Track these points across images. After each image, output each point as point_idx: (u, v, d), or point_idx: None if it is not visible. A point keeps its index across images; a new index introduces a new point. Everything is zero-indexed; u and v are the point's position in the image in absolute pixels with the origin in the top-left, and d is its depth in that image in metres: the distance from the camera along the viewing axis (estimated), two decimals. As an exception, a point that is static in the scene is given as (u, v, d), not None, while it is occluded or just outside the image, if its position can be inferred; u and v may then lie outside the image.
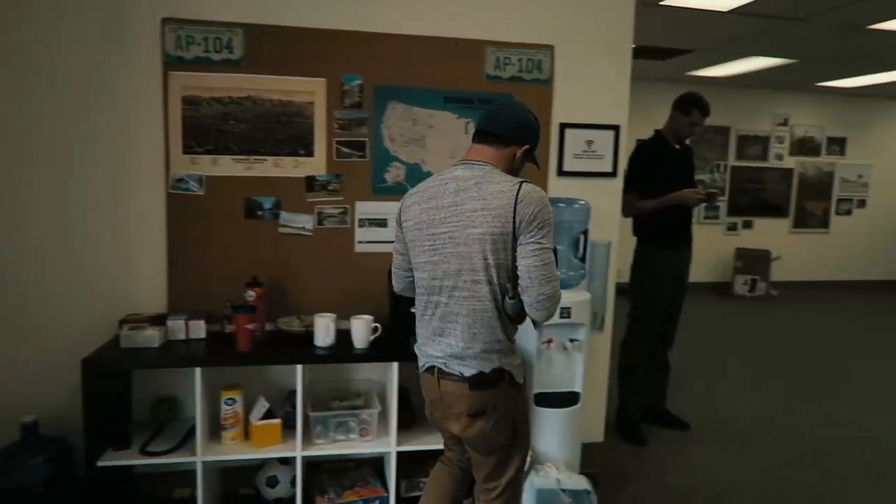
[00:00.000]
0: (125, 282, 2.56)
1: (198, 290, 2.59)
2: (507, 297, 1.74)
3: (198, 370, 2.29)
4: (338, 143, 2.64)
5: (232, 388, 2.43)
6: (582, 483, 2.66)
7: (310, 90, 2.58)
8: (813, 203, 8.97)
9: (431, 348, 1.85)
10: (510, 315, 1.77)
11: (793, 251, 8.83)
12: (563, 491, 2.59)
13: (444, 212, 1.76)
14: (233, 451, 2.41)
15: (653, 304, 3.60)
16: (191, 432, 2.44)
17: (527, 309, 1.75)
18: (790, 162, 8.78)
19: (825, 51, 6.03)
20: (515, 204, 1.68)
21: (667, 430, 3.80)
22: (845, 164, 8.99)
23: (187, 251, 2.57)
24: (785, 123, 8.68)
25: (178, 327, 2.46)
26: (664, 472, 3.27)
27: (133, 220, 2.54)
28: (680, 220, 3.63)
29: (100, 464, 2.24)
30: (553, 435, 2.78)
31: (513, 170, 1.83)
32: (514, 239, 1.69)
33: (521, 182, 1.72)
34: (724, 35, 5.53)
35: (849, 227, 9.14)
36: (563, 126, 2.92)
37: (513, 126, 1.83)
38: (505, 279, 1.73)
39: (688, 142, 3.72)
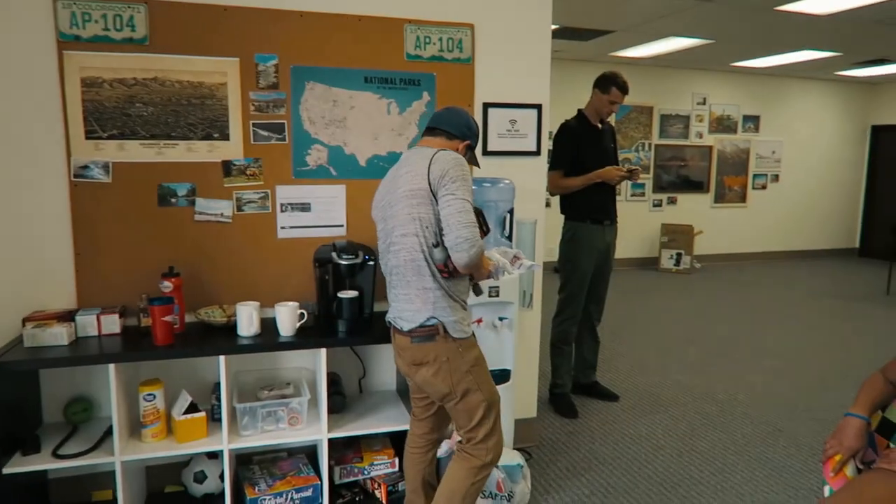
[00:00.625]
0: (28, 278, 2.40)
1: (110, 284, 2.46)
2: (433, 247, 1.95)
3: (111, 367, 2.18)
4: (255, 125, 2.55)
5: (151, 384, 2.33)
6: (515, 458, 2.70)
7: (222, 71, 2.47)
8: (731, 178, 9.39)
9: (391, 307, 2.15)
10: (438, 265, 1.97)
11: (714, 225, 9.23)
12: (497, 467, 2.63)
13: (388, 185, 2.08)
14: (155, 448, 2.32)
15: (581, 279, 3.68)
16: (109, 432, 2.33)
17: (450, 253, 1.93)
18: (710, 140, 9.14)
19: (737, 31, 6.27)
20: (430, 164, 1.94)
21: (597, 401, 3.92)
22: (760, 140, 9.44)
23: (96, 243, 2.43)
24: (704, 103, 9.02)
25: (88, 323, 2.33)
26: (594, 441, 3.38)
27: (33, 211, 2.38)
28: (605, 197, 3.72)
29: (6, 471, 2.11)
30: (485, 412, 2.80)
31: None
32: (434, 194, 1.93)
33: (445, 149, 2.01)
34: (642, 15, 5.67)
35: (765, 200, 9.62)
36: (487, 105, 2.92)
37: (457, 124, 2.12)
38: (431, 232, 1.95)
39: (610, 120, 3.81)
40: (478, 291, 2.24)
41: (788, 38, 6.56)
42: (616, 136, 3.90)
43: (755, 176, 9.52)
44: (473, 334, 2.14)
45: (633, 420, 3.66)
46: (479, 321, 2.78)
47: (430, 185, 1.92)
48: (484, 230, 2.01)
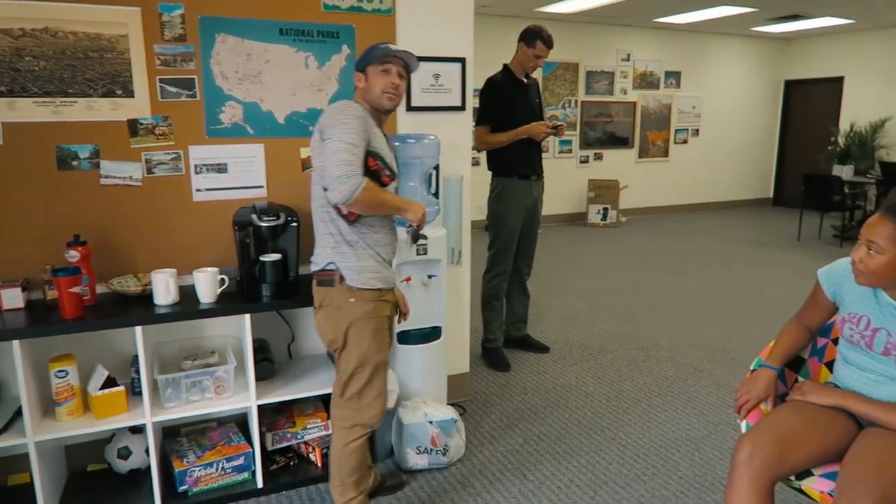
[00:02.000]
0: (-85, 252, 2.20)
1: (9, 255, 2.28)
2: (325, 191, 1.98)
3: (15, 343, 2.04)
4: (161, 81, 2.39)
5: (62, 359, 2.20)
6: (449, 413, 2.73)
7: (121, 21, 2.28)
8: (655, 133, 9.64)
9: None
10: (335, 209, 2.02)
11: (639, 180, 9.49)
12: (431, 423, 2.65)
13: None
14: (71, 426, 2.20)
15: (510, 234, 3.71)
16: (19, 412, 2.19)
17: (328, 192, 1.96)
18: (633, 95, 9.32)
19: (658, -14, 6.34)
20: (320, 118, 2.02)
21: (529, 353, 4.00)
22: (681, 96, 9.69)
23: (-10, 212, 2.25)
24: (628, 59, 9.15)
25: (-13, 298, 2.17)
26: (527, 392, 3.46)
27: (-85, 179, 2.17)
28: (531, 153, 3.73)
29: None
30: (419, 370, 2.82)
31: (367, 97, 2.09)
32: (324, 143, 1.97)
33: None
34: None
35: (686, 154, 9.95)
36: (409, 59, 2.84)
37: (358, 63, 2.14)
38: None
39: (536, 76, 3.80)
40: (414, 239, 2.30)
41: (706, -7, 6.70)
42: (541, 90, 3.90)
43: (677, 131, 9.81)
44: (385, 293, 2.13)
45: (563, 370, 3.77)
46: (409, 279, 2.77)
47: (320, 134, 1.99)
48: (385, 174, 2.02)
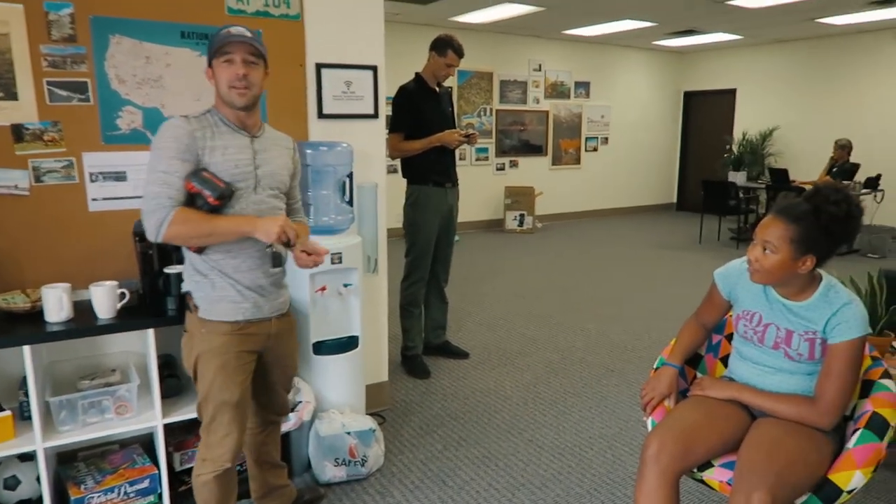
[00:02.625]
0: None
1: None
2: None
3: None
4: (50, 83, 2.24)
5: (-62, 385, 2.01)
6: (367, 423, 2.70)
7: (2, 19, 2.13)
8: (567, 142, 9.96)
9: None
10: None
11: (553, 186, 9.77)
12: (349, 433, 2.61)
13: None
14: (-51, 457, 2.02)
15: (426, 241, 3.72)
16: None
17: None
18: (546, 105, 9.61)
19: (566, -1, 6.58)
20: None
21: (449, 359, 4.02)
22: (591, 105, 10.08)
23: None
24: (539, 69, 9.43)
25: None
26: (446, 398, 3.47)
27: None
28: (445, 160, 3.76)
29: None
30: (336, 381, 2.76)
31: (219, 94, 1.87)
32: None
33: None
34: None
35: (597, 162, 10.35)
36: (319, 66, 2.80)
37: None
38: None
39: (450, 84, 3.83)
40: (275, 262, 1.89)
41: (611, 7, 7.01)
42: (452, 99, 3.95)
43: (587, 139, 10.18)
44: (248, 325, 1.92)
45: (482, 375, 3.81)
46: (324, 289, 2.72)
47: None
48: (208, 195, 1.75)
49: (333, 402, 2.75)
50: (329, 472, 2.59)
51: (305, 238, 1.99)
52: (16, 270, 2.30)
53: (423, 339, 3.95)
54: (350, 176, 2.76)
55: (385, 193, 3.08)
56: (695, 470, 1.83)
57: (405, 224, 3.77)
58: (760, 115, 9.85)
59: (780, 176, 7.87)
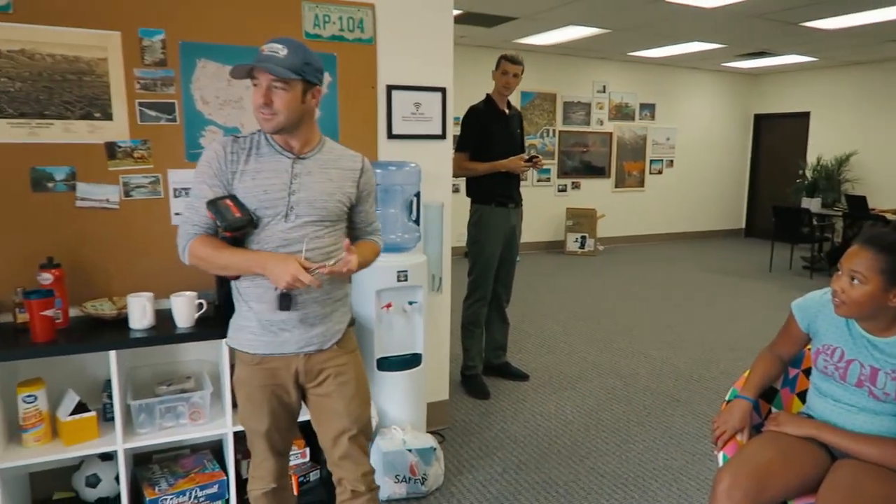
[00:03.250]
0: None
1: (-21, 278, 2.24)
2: None
3: (-18, 368, 1.99)
4: (141, 104, 2.38)
5: (31, 384, 2.14)
6: (428, 441, 2.71)
7: (101, 45, 2.28)
8: (630, 164, 9.81)
9: None
10: None
11: (615, 209, 9.62)
12: (409, 451, 2.62)
13: None
14: (38, 453, 2.14)
15: (488, 261, 3.73)
16: (-16, 439, 2.12)
17: None
18: (609, 126, 9.51)
19: (631, 22, 6.53)
20: None
21: (508, 381, 3.99)
22: (656, 127, 9.91)
23: (-39, 233, 2.20)
24: (604, 90, 9.35)
25: (-45, 321, 2.11)
26: (506, 420, 3.44)
27: None
28: (509, 181, 3.78)
29: None
30: (398, 397, 2.79)
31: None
32: None
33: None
34: (543, 3, 5.78)
35: (661, 185, 10.14)
36: (390, 88, 2.87)
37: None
38: None
39: (515, 102, 3.86)
40: (282, 304, 1.70)
41: (678, 29, 6.91)
42: (523, 121, 3.98)
43: (652, 161, 10.00)
44: (269, 359, 1.79)
45: (542, 398, 3.76)
46: (389, 305, 2.76)
47: None
48: (219, 226, 1.66)
49: (395, 418, 2.78)
50: (389, 488, 2.60)
51: (353, 262, 1.69)
52: (104, 279, 2.43)
53: (483, 360, 3.94)
54: (417, 195, 2.81)
55: (449, 212, 3.12)
56: (769, 509, 1.75)
57: (468, 243, 3.80)
58: (836, 140, 9.45)
59: (858, 203, 7.50)
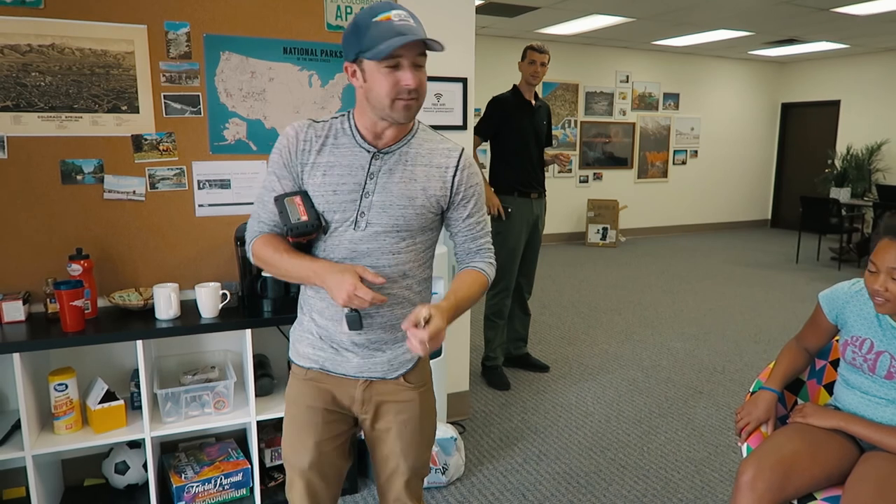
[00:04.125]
0: (-83, 264, 2.21)
1: (11, 268, 2.29)
2: None
3: (16, 356, 2.03)
4: (166, 97, 2.41)
5: (62, 373, 2.19)
6: (448, 431, 2.72)
7: (128, 38, 2.32)
8: (653, 154, 9.70)
9: None
10: None
11: (637, 200, 9.53)
12: (430, 440, 2.64)
13: None
14: (69, 440, 2.19)
15: (511, 251, 3.73)
16: (17, 426, 2.18)
17: None
18: (632, 116, 9.40)
19: (655, 10, 6.43)
20: None
21: (529, 372, 3.99)
22: (679, 117, 9.77)
23: (-7, 224, 2.26)
24: (627, 80, 9.24)
25: (-12, 310, 2.17)
26: (526, 411, 3.44)
27: (-80, 192, 2.18)
28: (532, 170, 3.78)
29: None
30: (418, 387, 2.80)
31: (364, 97, 1.40)
32: None
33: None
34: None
35: (684, 175, 10.01)
36: (412, 78, 2.87)
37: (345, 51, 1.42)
38: None
39: (539, 96, 3.84)
40: (351, 325, 1.40)
41: (704, 17, 6.79)
42: (550, 114, 3.98)
43: (675, 152, 9.87)
44: (321, 375, 1.55)
45: (563, 389, 3.75)
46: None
47: None
48: (286, 230, 1.42)
49: (416, 408, 2.79)
50: (410, 477, 2.62)
51: (417, 346, 1.30)
52: (130, 270, 2.48)
53: (504, 351, 3.94)
54: (438, 186, 2.81)
55: (471, 204, 3.11)
56: (794, 502, 1.73)
57: (492, 234, 3.78)
58: (867, 128, 9.23)
59: (891, 193, 7.33)
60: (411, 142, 1.47)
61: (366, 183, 1.43)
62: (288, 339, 1.69)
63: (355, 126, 1.45)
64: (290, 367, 1.63)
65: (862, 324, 1.80)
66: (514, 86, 3.79)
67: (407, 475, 1.60)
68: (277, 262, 1.45)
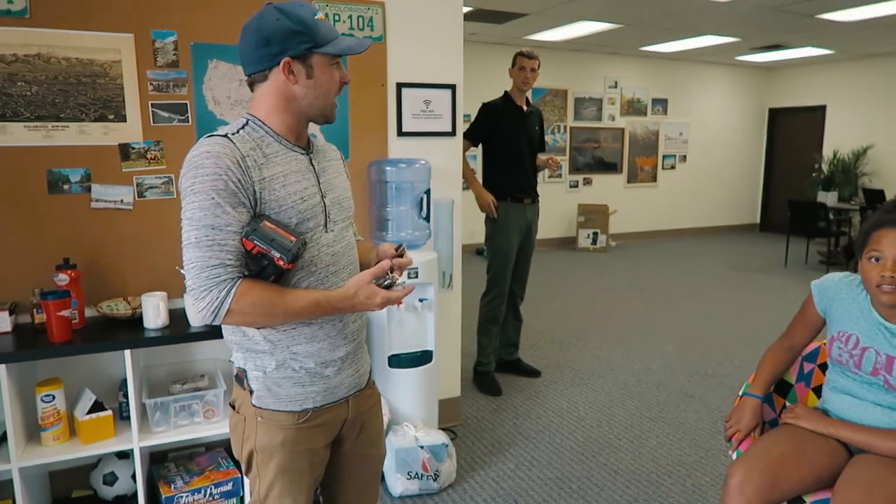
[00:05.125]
0: None
1: (-3, 279, 2.27)
2: None
3: (2, 367, 2.01)
4: (154, 106, 2.41)
5: (49, 384, 2.17)
6: (440, 438, 2.72)
7: (114, 47, 2.31)
8: (643, 159, 9.75)
9: None
10: None
11: (627, 205, 9.57)
12: (422, 447, 2.63)
13: None
14: (56, 452, 2.17)
15: (505, 257, 3.74)
16: (3, 438, 2.16)
17: None
18: (621, 122, 9.45)
19: (643, 16, 6.48)
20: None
21: (521, 378, 3.99)
22: (668, 122, 9.84)
23: (-22, 235, 2.24)
24: (615, 86, 9.30)
25: (-26, 322, 2.15)
26: (518, 417, 3.44)
27: None
28: (525, 176, 3.79)
29: None
30: (409, 394, 2.80)
31: (295, 99, 1.34)
32: None
33: (208, 135, 1.30)
34: (555, -1, 5.76)
35: (674, 180, 10.07)
36: (400, 86, 2.88)
37: (248, 50, 1.33)
38: None
39: (531, 102, 3.85)
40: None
41: (692, 23, 6.85)
42: (543, 119, 4.01)
43: (665, 157, 9.93)
44: (318, 413, 1.41)
45: (554, 394, 3.76)
46: (400, 303, 2.76)
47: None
48: (278, 258, 1.25)
49: (407, 415, 2.79)
50: (401, 485, 2.61)
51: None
52: (118, 279, 2.46)
53: (496, 357, 3.94)
54: (427, 192, 2.82)
55: (459, 209, 3.12)
56: (784, 504, 1.74)
57: (485, 240, 3.81)
58: (853, 133, 9.33)
59: (877, 197, 7.40)
60: (312, 139, 1.48)
61: (319, 183, 1.40)
62: None
63: (273, 131, 1.35)
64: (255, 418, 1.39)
65: (849, 318, 1.81)
66: (506, 92, 3.81)
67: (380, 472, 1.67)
68: (281, 305, 1.27)
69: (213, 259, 1.22)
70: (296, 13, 1.30)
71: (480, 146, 3.82)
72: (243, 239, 1.24)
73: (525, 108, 3.79)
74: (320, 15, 1.33)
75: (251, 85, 1.37)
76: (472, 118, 3.77)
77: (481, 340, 3.84)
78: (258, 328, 1.34)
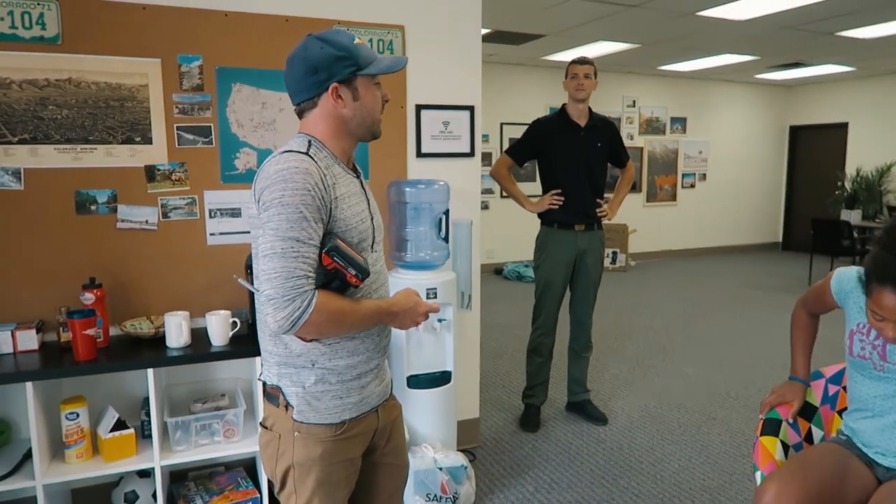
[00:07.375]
0: (-67, 294, 2.24)
1: (25, 297, 2.32)
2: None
3: (28, 385, 2.05)
4: (179, 128, 2.46)
5: (73, 401, 2.21)
6: (459, 459, 2.70)
7: (142, 72, 2.37)
8: (662, 178, 9.71)
9: None
10: None
11: (647, 224, 9.51)
12: (441, 469, 2.62)
13: None
14: (80, 469, 2.20)
15: (546, 288, 3.48)
16: (28, 455, 2.19)
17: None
18: (640, 141, 9.43)
19: (661, 36, 6.50)
20: (256, 178, 1.37)
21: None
22: (687, 141, 9.80)
23: (8, 254, 2.29)
24: (634, 105, 9.30)
25: (2, 339, 2.19)
26: (537, 439, 3.41)
27: (-62, 223, 2.22)
28: (581, 198, 3.41)
29: (-89, 503, 1.96)
30: (428, 415, 2.79)
31: (346, 121, 1.43)
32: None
33: (283, 151, 1.37)
34: (571, 19, 5.80)
35: (694, 199, 10.00)
36: (419, 107, 2.91)
37: (297, 80, 1.41)
38: None
39: (598, 115, 3.54)
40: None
41: (710, 42, 6.85)
42: (616, 131, 3.61)
43: (684, 175, 9.88)
44: (354, 423, 1.47)
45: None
46: (419, 323, 2.76)
47: (257, 203, 1.35)
48: (351, 274, 1.35)
49: (425, 436, 2.78)
50: (420, 506, 2.59)
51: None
52: (142, 298, 2.50)
53: (545, 391, 3.64)
54: (446, 213, 2.83)
55: (478, 230, 3.13)
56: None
57: (534, 266, 3.56)
58: (876, 150, 9.21)
59: (901, 214, 7.29)
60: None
61: (369, 206, 1.51)
62: None
63: (332, 154, 1.43)
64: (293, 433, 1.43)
65: (864, 312, 1.75)
66: (563, 105, 3.48)
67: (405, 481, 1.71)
68: (352, 314, 1.36)
69: (297, 270, 1.28)
70: (337, 40, 1.39)
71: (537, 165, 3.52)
72: (323, 253, 1.32)
73: (584, 122, 3.42)
74: (359, 40, 1.42)
75: (300, 113, 1.46)
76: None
77: (527, 369, 3.63)
78: (316, 339, 1.39)
